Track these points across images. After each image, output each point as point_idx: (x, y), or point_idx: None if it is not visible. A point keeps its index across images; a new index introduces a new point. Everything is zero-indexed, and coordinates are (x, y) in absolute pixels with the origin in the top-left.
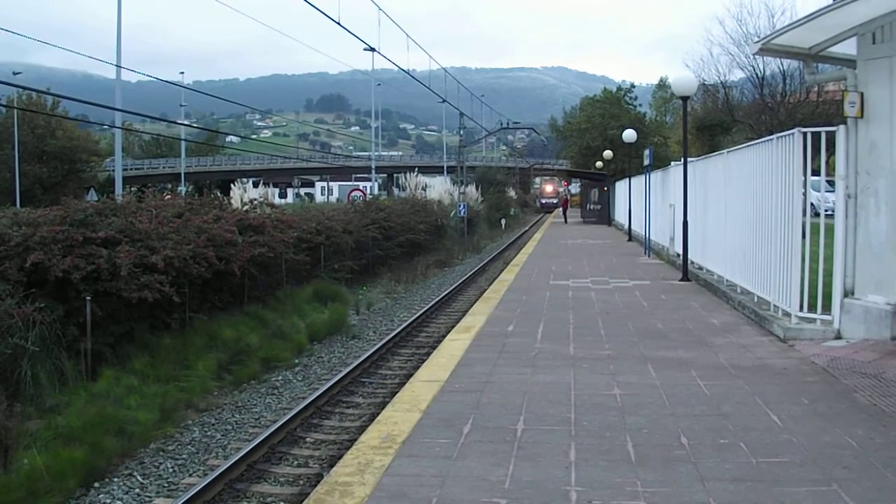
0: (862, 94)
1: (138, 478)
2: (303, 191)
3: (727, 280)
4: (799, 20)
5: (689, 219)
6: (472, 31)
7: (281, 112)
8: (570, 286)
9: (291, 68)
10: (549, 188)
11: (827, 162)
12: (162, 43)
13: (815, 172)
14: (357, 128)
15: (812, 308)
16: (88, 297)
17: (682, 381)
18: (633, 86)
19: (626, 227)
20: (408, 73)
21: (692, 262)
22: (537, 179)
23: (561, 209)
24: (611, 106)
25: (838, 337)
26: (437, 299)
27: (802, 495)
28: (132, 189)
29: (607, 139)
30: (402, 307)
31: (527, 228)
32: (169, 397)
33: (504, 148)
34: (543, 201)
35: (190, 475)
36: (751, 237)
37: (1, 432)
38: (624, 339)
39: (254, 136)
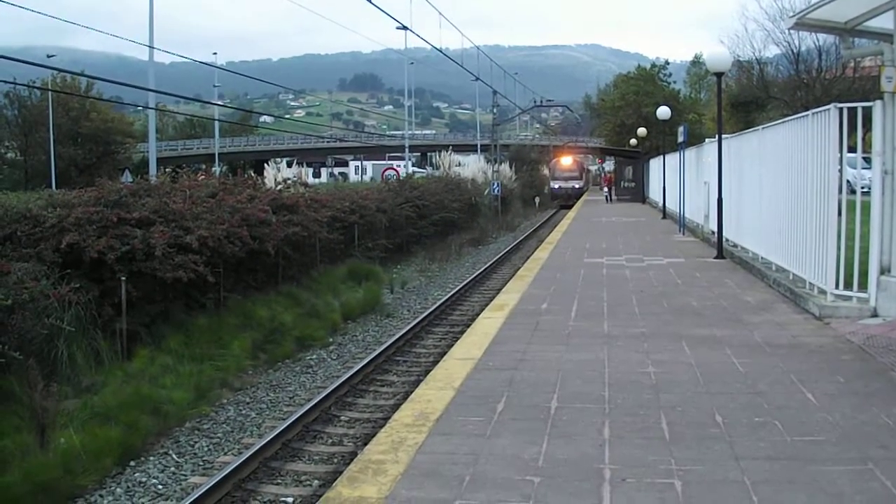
0: None
1: (174, 456)
2: (336, 170)
3: (762, 257)
4: None
5: (723, 196)
6: (505, 8)
7: (314, 92)
8: (603, 264)
9: (324, 48)
10: (566, 161)
11: (863, 138)
12: (195, 24)
13: (852, 149)
14: (390, 107)
15: (848, 286)
16: (123, 278)
17: (716, 359)
18: (667, 62)
19: (661, 204)
20: (441, 52)
21: (727, 240)
22: None
23: (606, 190)
24: (645, 83)
25: (874, 315)
26: (470, 277)
27: (838, 474)
28: (166, 170)
29: (641, 116)
30: (437, 285)
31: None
32: (204, 376)
33: (538, 126)
34: (557, 185)
35: (225, 454)
36: (786, 214)
37: (38, 412)
38: (658, 316)
39: (287, 116)
